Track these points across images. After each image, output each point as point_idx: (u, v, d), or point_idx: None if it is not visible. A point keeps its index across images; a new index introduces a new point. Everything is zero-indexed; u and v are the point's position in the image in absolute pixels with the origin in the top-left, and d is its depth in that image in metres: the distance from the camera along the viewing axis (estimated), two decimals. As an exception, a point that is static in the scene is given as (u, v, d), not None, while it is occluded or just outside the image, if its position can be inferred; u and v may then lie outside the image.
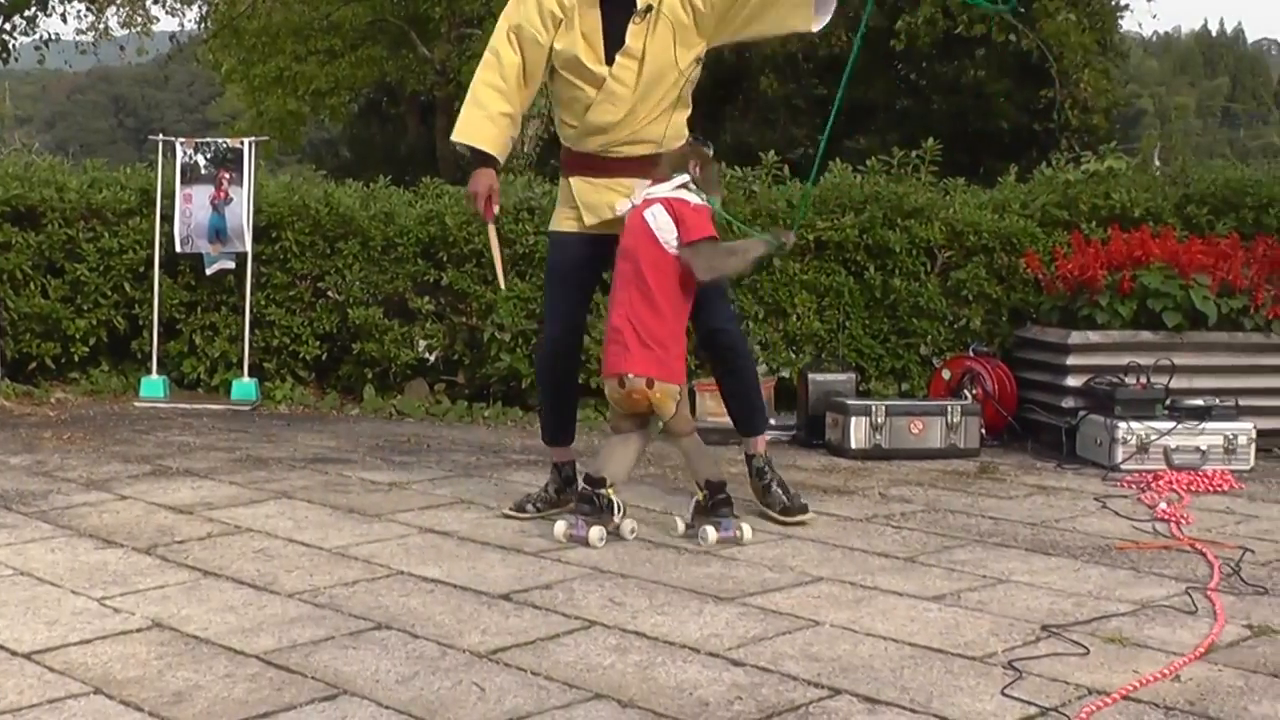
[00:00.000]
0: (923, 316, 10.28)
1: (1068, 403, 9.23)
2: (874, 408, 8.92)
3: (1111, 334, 9.32)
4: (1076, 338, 9.33)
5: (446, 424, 10.07)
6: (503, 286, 6.27)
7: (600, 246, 6.46)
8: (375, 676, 4.31)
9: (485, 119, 6.29)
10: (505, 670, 4.40)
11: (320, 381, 11.04)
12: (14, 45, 23.85)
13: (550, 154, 19.06)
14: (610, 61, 6.24)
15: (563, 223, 6.55)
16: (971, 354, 9.89)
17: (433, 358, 10.82)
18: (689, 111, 6.58)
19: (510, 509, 6.68)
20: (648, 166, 6.29)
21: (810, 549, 6.18)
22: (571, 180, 6.49)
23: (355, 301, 10.70)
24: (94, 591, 5.23)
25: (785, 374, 10.08)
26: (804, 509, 6.68)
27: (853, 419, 8.87)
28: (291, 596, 5.21)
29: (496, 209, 6.46)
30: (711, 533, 6.18)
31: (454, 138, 6.36)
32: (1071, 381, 9.26)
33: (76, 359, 10.87)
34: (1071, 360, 9.30)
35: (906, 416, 8.93)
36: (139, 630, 4.77)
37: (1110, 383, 8.93)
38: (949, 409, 9.00)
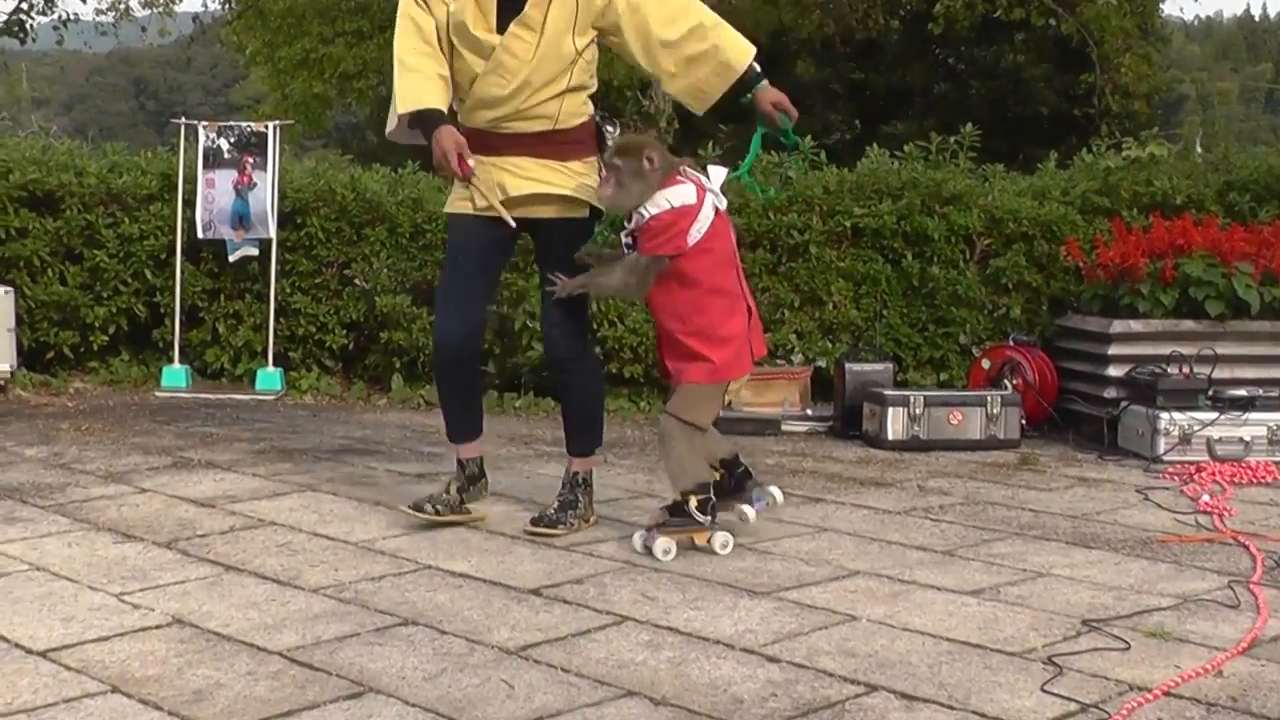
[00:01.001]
0: (961, 305, 10.25)
1: (1109, 393, 9.20)
2: (912, 398, 8.89)
3: (1153, 323, 9.27)
4: (1118, 327, 9.29)
5: (474, 415, 10.05)
6: (512, 224, 5.96)
7: (499, 230, 6.03)
8: (401, 674, 4.31)
9: (424, 80, 5.88)
10: (535, 667, 4.40)
11: (347, 371, 11.03)
12: (32, 25, 23.87)
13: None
14: (502, 31, 5.87)
15: (456, 203, 6.16)
16: (1011, 343, 9.84)
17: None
18: (592, 90, 6.23)
19: (408, 507, 6.27)
20: (541, 145, 5.98)
21: (847, 542, 6.17)
22: (471, 161, 6.00)
23: (383, 289, 10.68)
24: (112, 587, 5.23)
25: (821, 364, 10.05)
26: (556, 524, 6.20)
27: (890, 409, 8.85)
28: (316, 592, 5.21)
29: (472, 163, 5.90)
30: (750, 512, 6.19)
31: (401, 109, 5.92)
32: (1113, 371, 9.22)
33: (95, 348, 10.87)
34: (1113, 350, 9.26)
35: (945, 407, 8.91)
36: (158, 627, 4.77)
37: (1152, 373, 8.89)
38: (989, 399, 8.97)
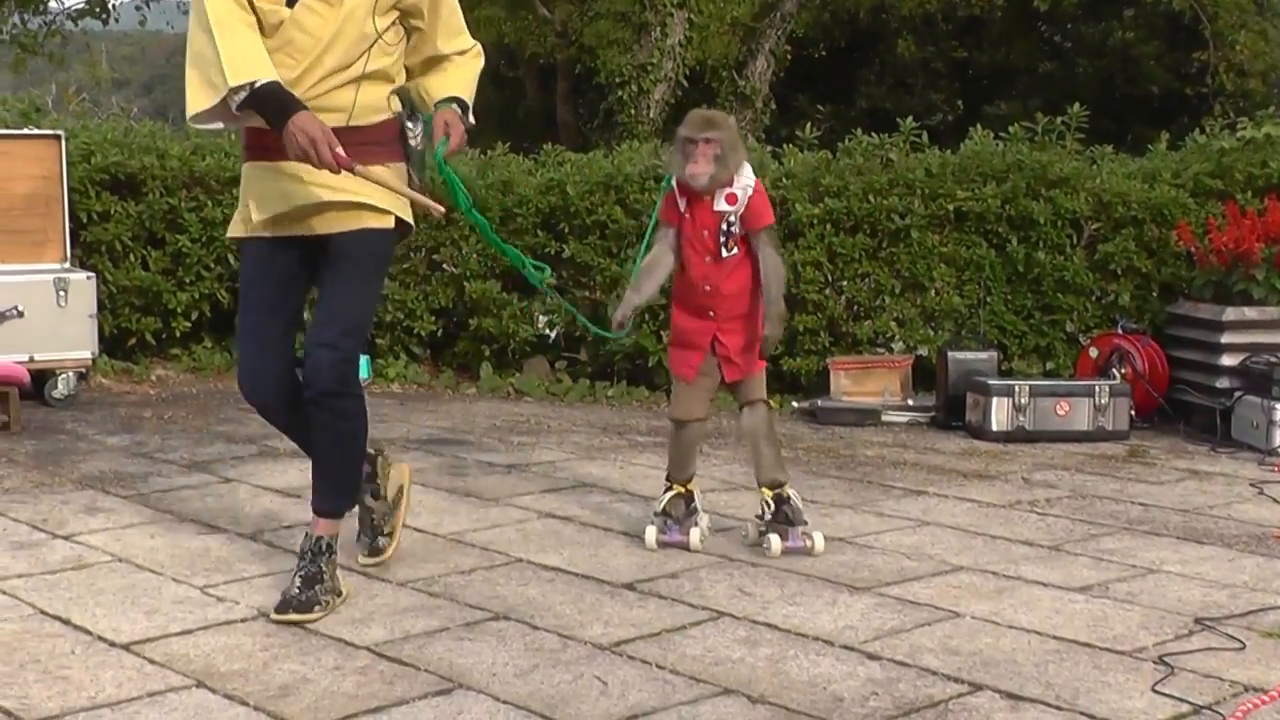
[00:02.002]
0: (1068, 291, 10.16)
1: (1222, 383, 9.11)
2: (1017, 388, 8.84)
3: (1269, 310, 9.17)
4: (1231, 314, 9.19)
5: (567, 404, 10.09)
6: (439, 211, 4.66)
7: (290, 250, 5.04)
8: (492, 670, 4.33)
9: (257, 48, 4.77)
10: (629, 663, 4.41)
11: (435, 359, 11.07)
12: (114, 5, 24.04)
13: (676, 120, 19.07)
14: (292, 4, 4.88)
15: (236, 226, 5.14)
16: (1120, 331, 9.77)
17: (554, 334, 10.82)
18: (398, 83, 5.18)
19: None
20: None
21: (949, 537, 6.14)
22: (245, 168, 5.06)
23: (472, 275, 10.71)
24: (196, 579, 5.29)
25: (923, 352, 10.02)
26: (309, 607, 4.87)
27: (994, 399, 8.80)
28: (404, 585, 5.24)
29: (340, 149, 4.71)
30: (776, 543, 5.82)
31: (233, 79, 4.65)
32: (1226, 360, 9.13)
33: (178, 334, 10.95)
34: (1226, 338, 9.17)
35: (1051, 397, 8.85)
36: (243, 620, 4.82)
37: (1268, 362, 8.80)
38: (1096, 389, 8.90)
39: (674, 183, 5.88)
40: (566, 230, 10.69)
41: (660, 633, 4.72)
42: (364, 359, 10.59)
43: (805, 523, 5.87)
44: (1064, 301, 10.15)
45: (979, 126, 11.22)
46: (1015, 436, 8.74)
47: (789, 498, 5.88)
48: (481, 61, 5.34)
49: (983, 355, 9.36)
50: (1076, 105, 11.01)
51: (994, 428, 8.78)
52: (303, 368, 4.95)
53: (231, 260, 10.83)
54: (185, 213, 10.80)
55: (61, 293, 9.12)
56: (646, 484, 7.05)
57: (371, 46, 4.97)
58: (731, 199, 5.73)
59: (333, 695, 4.10)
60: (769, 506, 5.87)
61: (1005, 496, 7.06)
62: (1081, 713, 4.03)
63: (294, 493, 6.74)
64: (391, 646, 4.52)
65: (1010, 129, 10.91)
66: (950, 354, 9.33)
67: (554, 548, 5.83)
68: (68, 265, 9.58)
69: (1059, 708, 4.06)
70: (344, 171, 4.71)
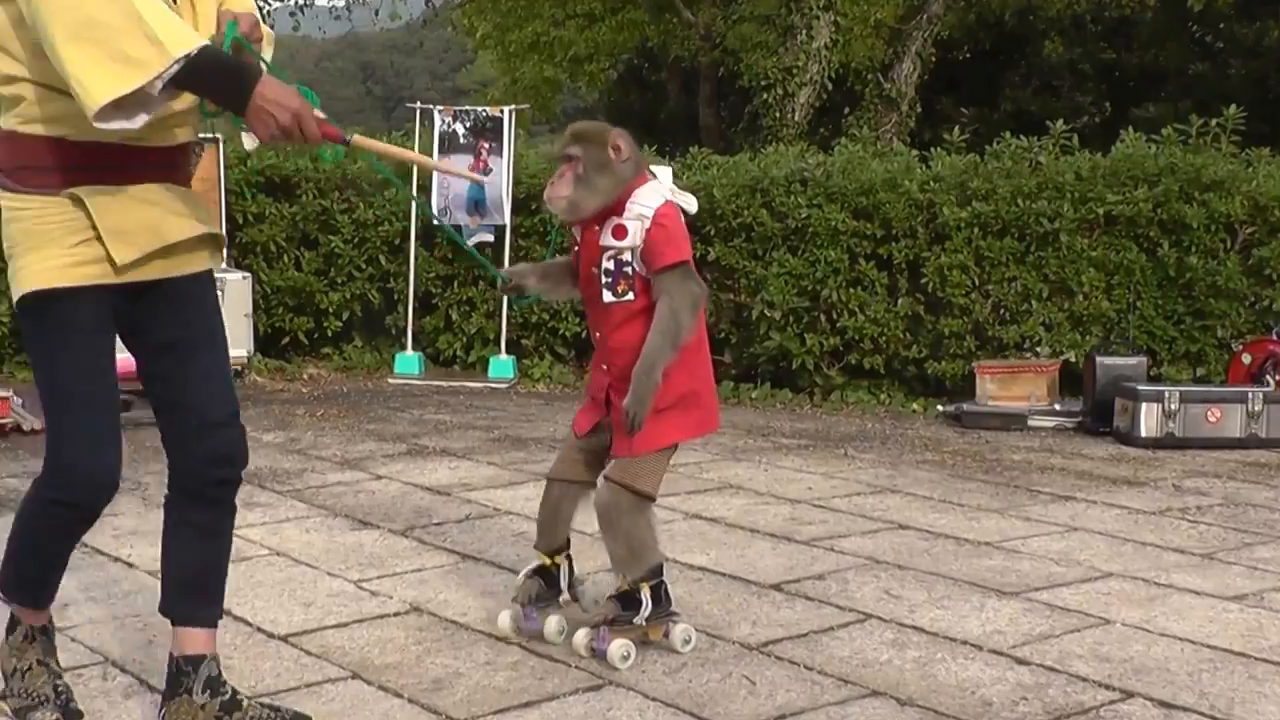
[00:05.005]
0: (1221, 297, 10.05)
1: (1380, 391, 8.98)
2: (1167, 394, 8.76)
3: None
4: (1391, 321, 9.07)
5: (710, 405, 10.10)
6: (481, 179, 3.79)
7: (118, 300, 3.75)
8: (641, 668, 4.36)
9: (167, 9, 3.52)
10: (776, 664, 4.43)
11: (580, 360, 11.14)
12: (269, 10, 24.44)
13: (819, 123, 19.01)
14: None
15: (65, 273, 3.65)
16: (1275, 337, 9.64)
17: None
18: None
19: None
20: (180, 165, 3.90)
21: (1099, 542, 6.10)
22: (79, 194, 3.63)
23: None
24: (350, 573, 5.38)
25: (1070, 357, 9.94)
26: None
27: (1143, 405, 8.72)
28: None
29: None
30: (583, 637, 4.57)
31: (176, 48, 3.40)
32: (1385, 368, 9.01)
33: (329, 334, 11.13)
34: (1385, 345, 9.04)
35: (1203, 404, 8.76)
36: (397, 614, 4.89)
37: None
38: (1250, 396, 8.80)
39: None
40: (712, 233, 10.72)
41: (808, 633, 4.73)
42: (509, 359, 10.69)
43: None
44: (1216, 307, 10.03)
45: (1130, 129, 11.12)
46: (1164, 443, 8.65)
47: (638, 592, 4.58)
48: None
49: (1132, 361, 9.28)
50: (1232, 107, 10.88)
51: (1143, 434, 8.70)
52: (205, 448, 3.86)
53: (383, 260, 10.98)
54: (338, 214, 10.97)
55: (220, 292, 9.24)
56: (792, 487, 7.08)
57: None
58: (620, 232, 4.58)
59: (484, 689, 4.15)
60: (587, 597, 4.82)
61: (1155, 503, 7.00)
62: (1236, 722, 4.01)
63: (443, 490, 6.84)
64: (542, 643, 4.57)
65: (1163, 131, 10.80)
66: (1099, 359, 9.26)
67: (700, 548, 5.86)
68: (225, 266, 9.73)
69: (1213, 717, 4.03)
70: (337, 145, 3.75)
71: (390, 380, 10.64)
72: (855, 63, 19.08)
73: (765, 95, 17.23)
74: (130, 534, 5.82)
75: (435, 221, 9.58)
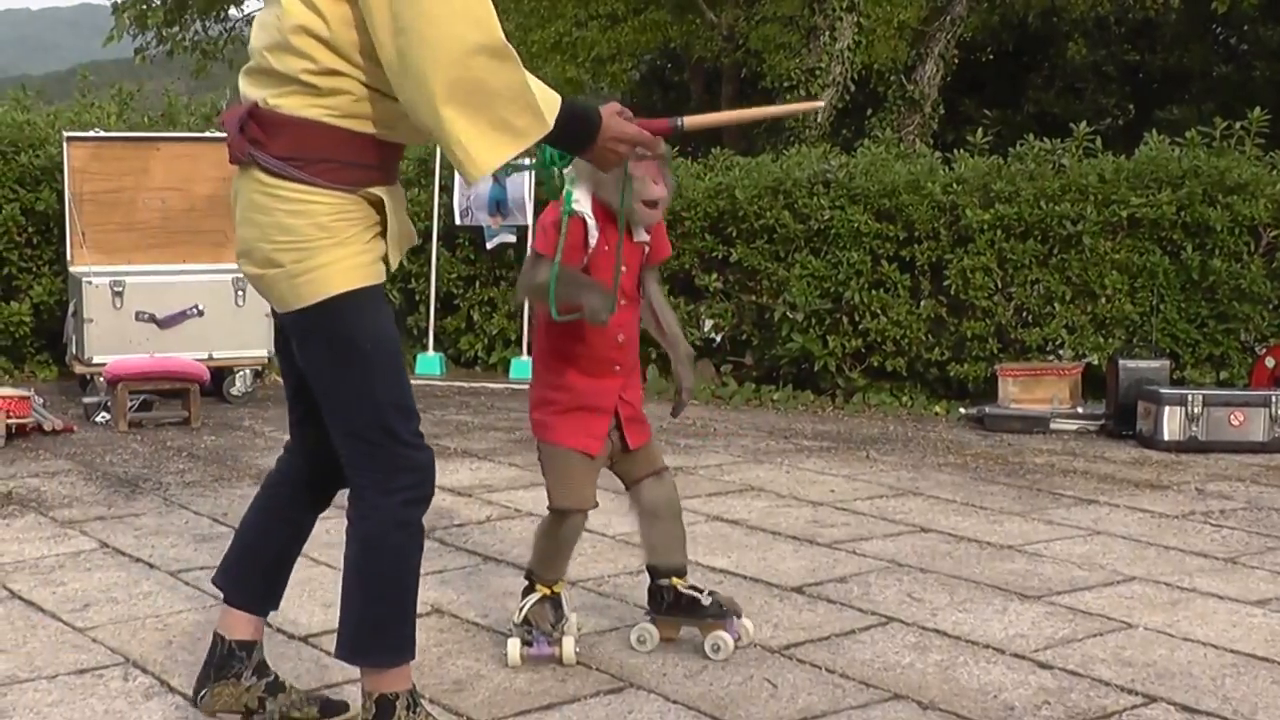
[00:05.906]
0: (1245, 300, 10.02)
1: (1405, 395, 8.95)
2: (1190, 397, 8.73)
3: None
4: None
5: (733, 407, 10.12)
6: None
7: None
8: (662, 670, 4.36)
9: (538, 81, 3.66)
10: (798, 667, 4.42)
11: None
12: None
13: (842, 124, 18.99)
14: None
15: (374, 269, 3.64)
16: (1299, 341, 9.64)
17: (719, 338, 10.86)
18: None
19: None
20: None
21: (1122, 546, 6.09)
22: (379, 194, 3.62)
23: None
24: (373, 573, 5.36)
25: (1093, 359, 9.92)
26: None
27: (1166, 409, 8.70)
28: (574, 585, 5.28)
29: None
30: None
31: (552, 116, 3.56)
32: None
33: (349, 333, 11.11)
34: None
35: (1226, 407, 8.73)
36: (418, 616, 4.86)
37: None
38: (1273, 399, 8.77)
39: (587, 209, 4.43)
40: (734, 234, 10.72)
41: (830, 637, 4.73)
42: (530, 360, 10.69)
43: (739, 611, 4.67)
44: (1240, 310, 10.00)
45: (1153, 131, 11.09)
46: (1187, 446, 8.62)
47: (699, 588, 4.64)
48: None
49: (1155, 364, 9.25)
50: (1257, 110, 10.84)
51: (1165, 437, 8.68)
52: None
53: (405, 261, 10.96)
54: (358, 214, 10.93)
55: (240, 292, 9.28)
56: (814, 489, 7.07)
57: None
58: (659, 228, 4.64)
59: (506, 691, 4.15)
60: (671, 597, 4.63)
61: (1178, 507, 6.98)
62: (1259, 727, 4.00)
63: (465, 491, 6.85)
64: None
65: (1187, 134, 10.77)
66: (1121, 362, 9.24)
67: (722, 550, 5.86)
68: (246, 266, 9.74)
69: (1236, 721, 4.03)
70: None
71: (411, 381, 10.61)
72: (878, 64, 19.08)
73: (788, 96, 17.21)
74: (152, 534, 5.83)
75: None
